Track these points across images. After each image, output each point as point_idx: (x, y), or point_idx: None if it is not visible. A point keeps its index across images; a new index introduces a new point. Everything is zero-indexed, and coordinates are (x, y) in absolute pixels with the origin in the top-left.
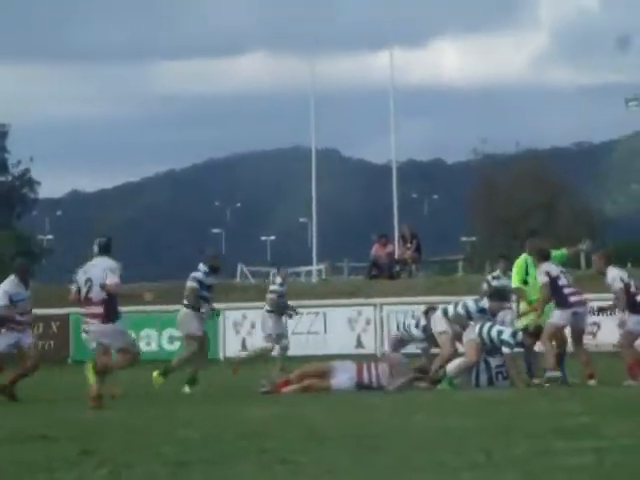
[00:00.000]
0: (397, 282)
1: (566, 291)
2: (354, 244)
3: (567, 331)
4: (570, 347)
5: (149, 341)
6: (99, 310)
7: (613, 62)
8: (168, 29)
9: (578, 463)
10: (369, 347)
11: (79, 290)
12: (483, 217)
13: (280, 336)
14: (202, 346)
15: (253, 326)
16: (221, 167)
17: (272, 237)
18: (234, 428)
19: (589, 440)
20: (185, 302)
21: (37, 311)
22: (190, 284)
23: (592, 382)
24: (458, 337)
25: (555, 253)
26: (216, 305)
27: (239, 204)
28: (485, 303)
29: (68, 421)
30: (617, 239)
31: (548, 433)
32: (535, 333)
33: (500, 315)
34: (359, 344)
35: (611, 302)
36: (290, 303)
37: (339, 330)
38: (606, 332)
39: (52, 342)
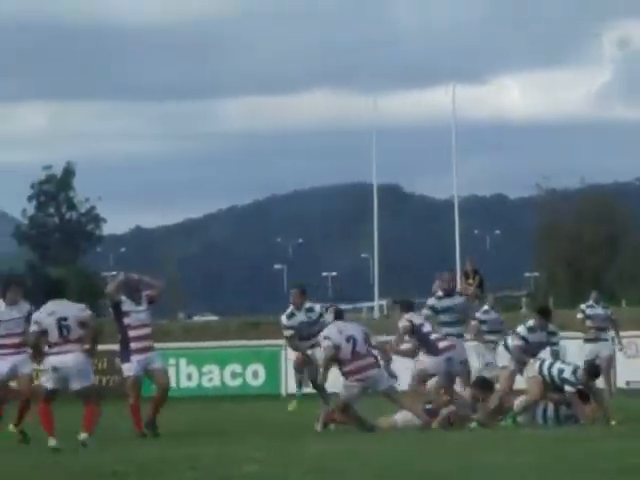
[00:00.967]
0: None
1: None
2: (416, 280)
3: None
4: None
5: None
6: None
7: None
8: (230, 67)
9: None
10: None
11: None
12: (547, 253)
13: None
14: None
15: None
16: (283, 203)
17: (334, 273)
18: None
19: None
20: None
21: (101, 347)
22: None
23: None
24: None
25: None
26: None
27: (301, 240)
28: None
29: (136, 457)
30: None
31: (614, 471)
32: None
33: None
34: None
35: None
36: None
37: (400, 365)
38: None
39: (116, 377)
